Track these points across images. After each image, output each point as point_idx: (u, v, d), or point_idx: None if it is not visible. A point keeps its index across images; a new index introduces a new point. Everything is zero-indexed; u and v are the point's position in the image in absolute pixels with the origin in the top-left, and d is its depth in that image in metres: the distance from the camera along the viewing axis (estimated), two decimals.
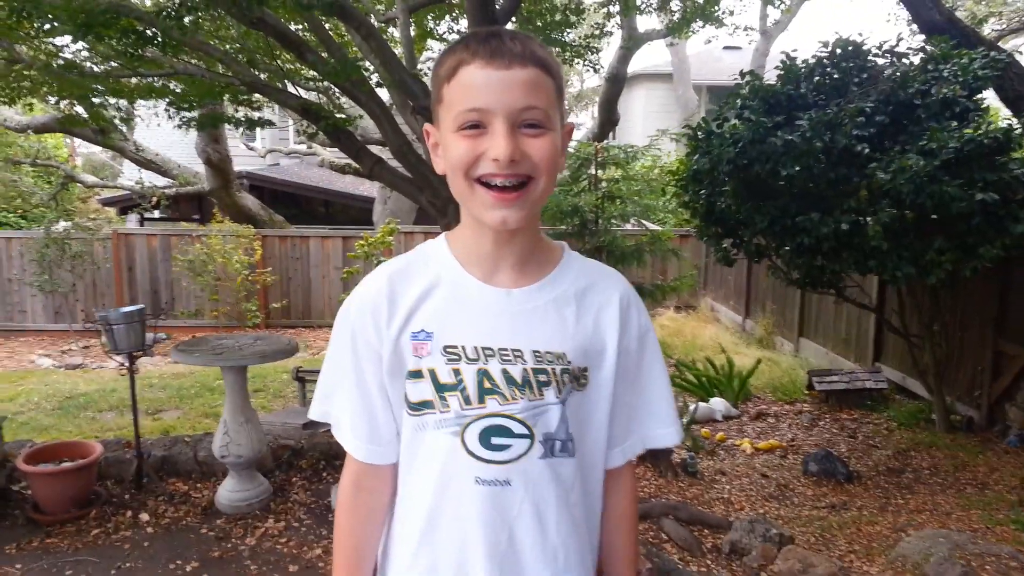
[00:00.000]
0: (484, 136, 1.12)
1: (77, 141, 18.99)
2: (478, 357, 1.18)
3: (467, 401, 1.17)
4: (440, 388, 1.18)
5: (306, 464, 4.96)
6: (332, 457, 5.01)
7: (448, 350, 1.18)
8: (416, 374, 1.19)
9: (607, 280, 1.30)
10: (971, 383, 6.18)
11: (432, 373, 1.18)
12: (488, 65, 1.10)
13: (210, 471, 4.78)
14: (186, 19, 4.97)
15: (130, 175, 16.82)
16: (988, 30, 11.98)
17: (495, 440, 1.18)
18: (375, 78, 6.51)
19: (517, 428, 1.18)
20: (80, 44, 6.33)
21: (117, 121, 9.15)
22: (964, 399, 6.24)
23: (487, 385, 1.17)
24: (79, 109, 9.05)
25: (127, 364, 4.13)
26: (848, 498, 4.89)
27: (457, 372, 1.18)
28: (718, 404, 6.72)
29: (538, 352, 1.19)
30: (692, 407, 6.49)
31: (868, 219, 4.92)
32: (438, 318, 1.20)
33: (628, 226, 9.93)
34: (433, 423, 1.19)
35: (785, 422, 6.55)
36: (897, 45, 5.45)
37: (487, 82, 1.10)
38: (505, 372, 1.17)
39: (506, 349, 1.18)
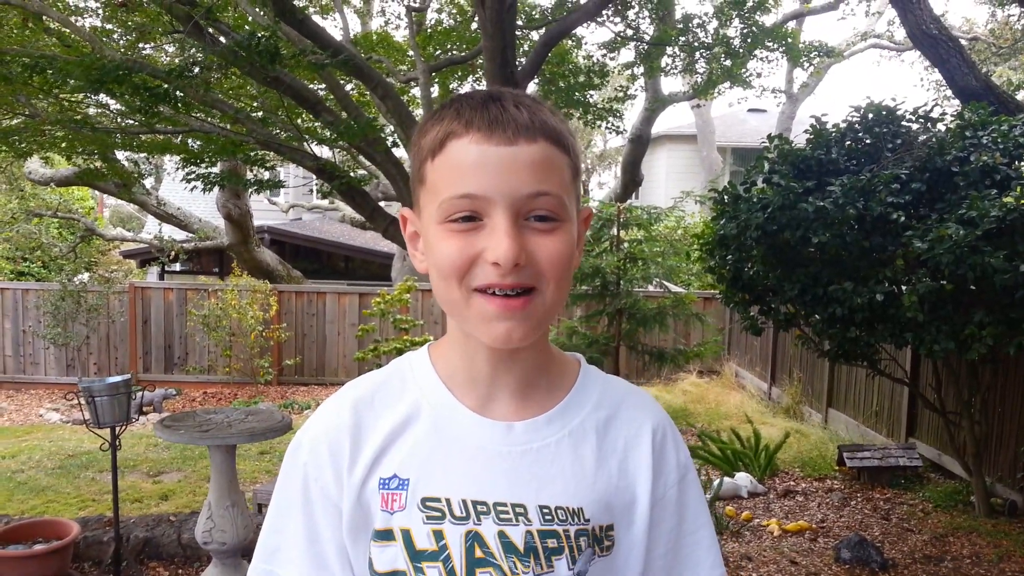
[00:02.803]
0: (480, 231, 0.86)
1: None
2: (467, 515, 0.90)
3: (451, 575, 0.89)
4: (416, 556, 0.89)
5: None
6: None
7: (428, 504, 0.90)
8: (384, 534, 0.91)
9: (635, 405, 1.02)
10: (1013, 464, 5.82)
11: (406, 535, 0.90)
12: (486, 140, 0.85)
13: (194, 555, 4.51)
14: (199, 76, 4.90)
15: (154, 228, 16.92)
16: None
17: None
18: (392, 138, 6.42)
19: None
20: (94, 99, 6.31)
21: (137, 174, 9.16)
22: (1006, 481, 5.88)
23: (479, 554, 0.89)
24: (100, 163, 9.08)
25: (109, 440, 3.91)
26: None
27: (439, 535, 0.89)
28: (743, 480, 6.40)
29: (546, 508, 0.91)
30: (716, 482, 6.18)
31: (904, 289, 4.68)
32: (416, 461, 0.92)
33: (651, 288, 9.73)
34: None
35: (814, 500, 6.20)
36: (931, 110, 5.27)
37: (484, 161, 0.85)
38: (502, 536, 0.89)
39: (504, 504, 0.90)
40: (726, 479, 6.31)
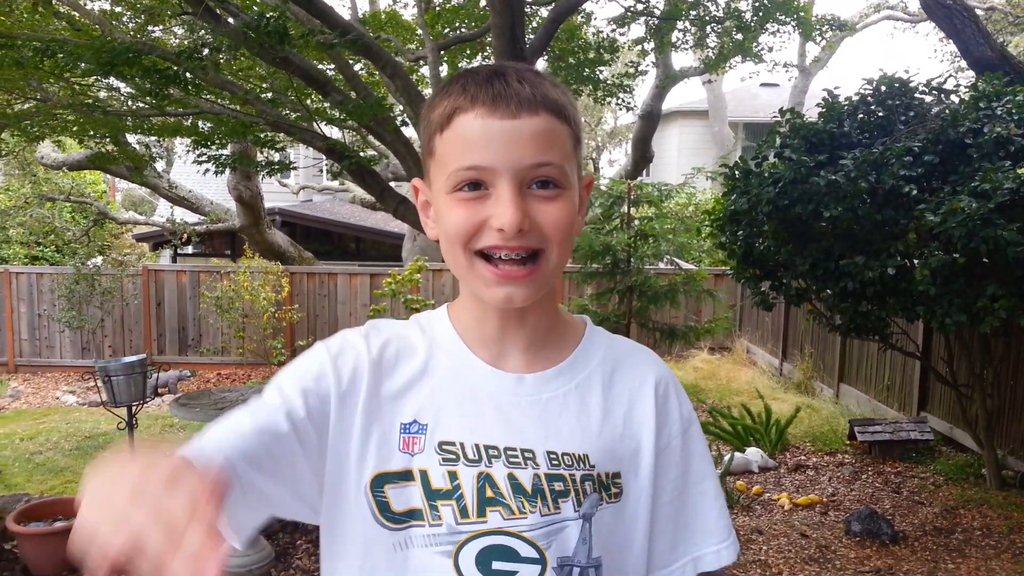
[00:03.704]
0: (486, 200, 0.91)
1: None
2: (479, 458, 0.95)
3: (464, 513, 0.93)
4: (431, 495, 0.93)
5: (313, 526, 4.73)
6: None
7: (444, 447, 0.95)
8: (404, 475, 0.94)
9: (639, 361, 1.07)
10: None
11: (423, 475, 0.94)
12: (491, 114, 0.90)
13: None
14: (208, 58, 4.91)
15: (166, 211, 16.99)
16: None
17: (497, 565, 0.93)
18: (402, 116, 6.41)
19: (525, 550, 0.94)
20: (105, 83, 6.32)
21: (149, 157, 9.19)
22: (1017, 453, 5.88)
23: (489, 494, 0.94)
24: (112, 146, 9.12)
25: (126, 418, 3.96)
26: (894, 561, 4.57)
27: (454, 475, 0.94)
28: (754, 455, 6.42)
29: (553, 454, 0.96)
30: (727, 457, 6.20)
31: (916, 262, 4.66)
32: (433, 407, 0.97)
33: (661, 265, 9.71)
34: (421, 539, 0.94)
35: (825, 475, 6.22)
36: (945, 82, 5.22)
37: (489, 134, 0.90)
38: (512, 478, 0.94)
39: (514, 449, 0.95)
40: (737, 454, 6.33)
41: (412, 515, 0.94)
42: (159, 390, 8.99)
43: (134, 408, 4.00)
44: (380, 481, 0.95)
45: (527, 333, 1.01)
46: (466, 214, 0.92)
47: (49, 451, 7.04)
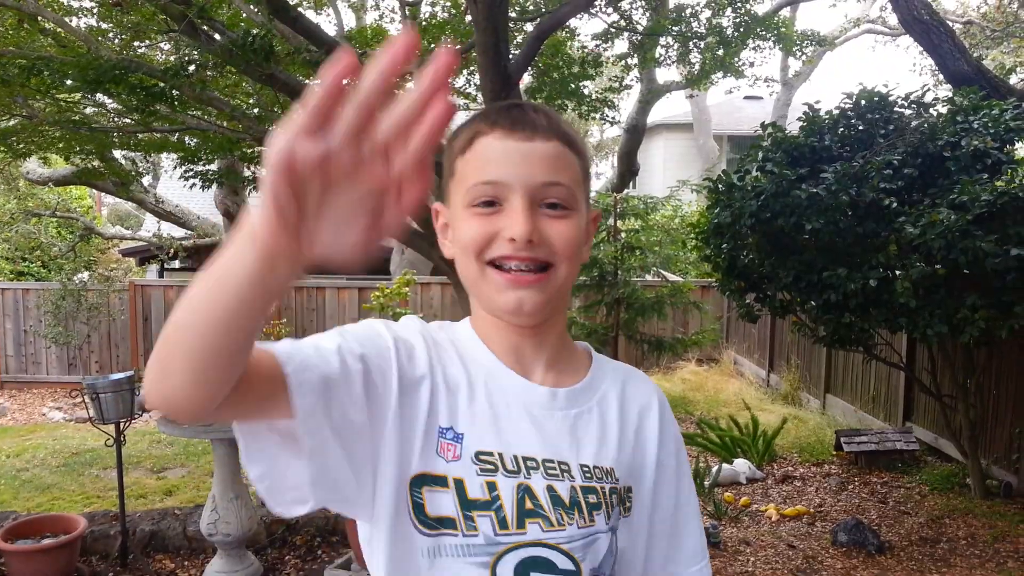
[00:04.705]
0: (499, 214, 0.95)
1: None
2: (518, 469, 0.96)
3: (503, 524, 0.94)
4: (467, 505, 0.94)
5: (300, 541, 4.73)
6: (328, 533, 4.78)
7: (481, 458, 0.95)
8: (439, 480, 0.94)
9: (640, 380, 1.13)
10: (1008, 446, 5.88)
11: (459, 484, 0.94)
12: (508, 136, 0.96)
13: (199, 547, 4.57)
14: (195, 75, 4.93)
15: (152, 226, 16.93)
16: (1016, 80, 11.83)
17: None
18: None
19: (562, 562, 0.95)
20: (91, 99, 6.33)
21: (135, 173, 9.18)
22: (1001, 463, 5.94)
23: (529, 505, 0.95)
24: (98, 162, 9.11)
25: (114, 435, 3.96)
26: (880, 572, 4.60)
27: (492, 486, 0.95)
28: (742, 466, 6.45)
29: (586, 467, 0.99)
30: (715, 469, 6.23)
31: (897, 274, 4.72)
32: (469, 418, 0.98)
33: (648, 277, 9.76)
34: (453, 548, 0.94)
35: (812, 485, 6.26)
36: (924, 96, 5.31)
37: (506, 153, 0.96)
38: (550, 489, 0.96)
39: (552, 461, 0.98)
40: (725, 466, 6.36)
41: (443, 523, 0.94)
42: (146, 406, 8.96)
43: (122, 425, 3.99)
44: (420, 482, 0.95)
45: (547, 351, 1.05)
46: (480, 224, 0.96)
47: (36, 468, 7.00)
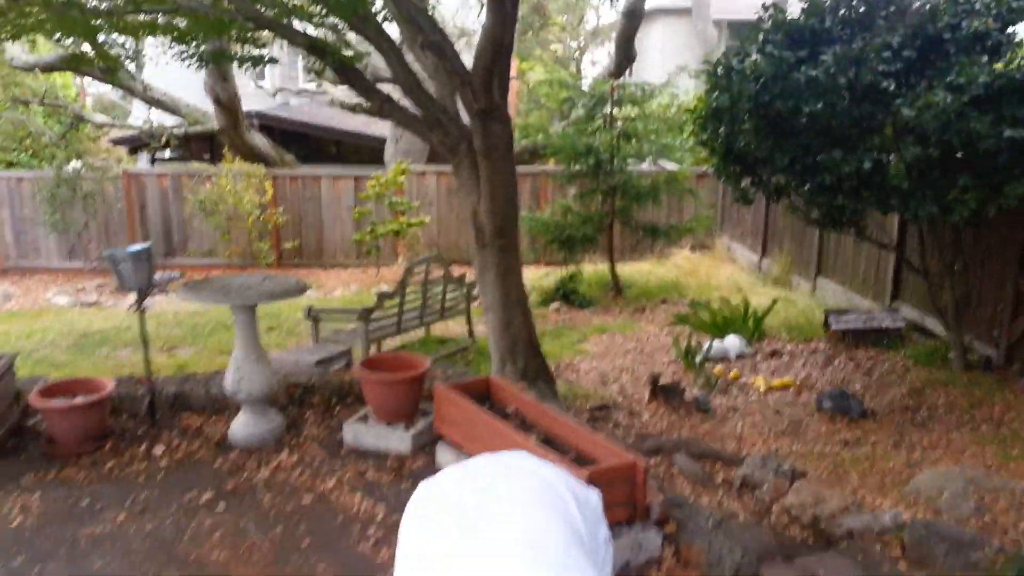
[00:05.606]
0: None
1: (87, 80, 18.82)
2: None
3: None
4: None
5: (318, 400, 4.98)
6: (344, 394, 5.03)
7: None
8: None
9: None
10: (990, 322, 6.10)
11: None
12: None
13: (223, 406, 4.82)
14: None
15: (140, 115, 16.69)
16: None
17: None
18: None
19: None
20: None
21: (125, 57, 9.00)
22: (983, 338, 6.18)
23: None
24: (86, 47, 8.92)
25: (136, 301, 4.12)
26: (862, 434, 4.88)
27: None
28: (732, 342, 6.69)
29: None
30: (706, 345, 6.47)
31: (891, 157, 4.80)
32: None
33: (644, 166, 9.80)
34: None
35: (800, 361, 6.51)
36: None
37: None
38: None
39: None
40: (716, 342, 6.60)
41: None
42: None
43: (144, 294, 4.15)
44: None
45: None
46: None
47: (47, 348, 7.19)
